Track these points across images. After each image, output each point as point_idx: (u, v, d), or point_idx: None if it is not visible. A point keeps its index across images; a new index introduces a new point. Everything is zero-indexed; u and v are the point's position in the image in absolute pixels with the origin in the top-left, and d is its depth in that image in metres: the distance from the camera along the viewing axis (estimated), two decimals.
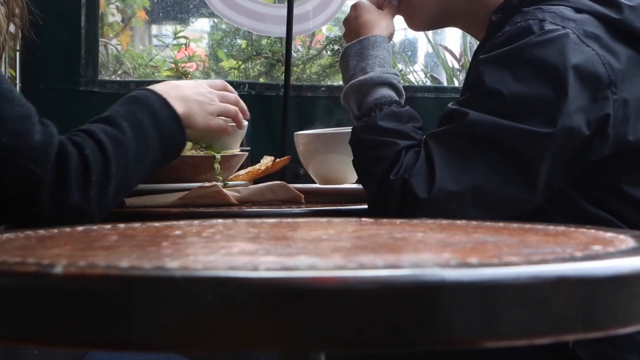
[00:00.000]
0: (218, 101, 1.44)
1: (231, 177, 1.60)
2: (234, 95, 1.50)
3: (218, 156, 1.45)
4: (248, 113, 1.53)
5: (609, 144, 1.25)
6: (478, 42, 1.51)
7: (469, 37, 3.23)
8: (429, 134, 1.28)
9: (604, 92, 1.25)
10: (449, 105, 1.31)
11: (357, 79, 1.39)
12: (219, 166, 1.45)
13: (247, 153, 1.57)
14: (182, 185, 1.42)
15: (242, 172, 1.61)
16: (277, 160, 1.61)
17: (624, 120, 1.26)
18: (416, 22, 1.54)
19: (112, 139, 1.20)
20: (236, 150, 1.54)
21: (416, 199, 1.21)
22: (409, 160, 1.25)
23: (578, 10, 1.30)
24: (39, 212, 1.13)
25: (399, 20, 1.55)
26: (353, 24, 1.47)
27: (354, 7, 1.50)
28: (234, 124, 1.48)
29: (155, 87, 1.35)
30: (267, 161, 1.61)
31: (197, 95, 1.40)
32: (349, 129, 1.59)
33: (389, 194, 1.24)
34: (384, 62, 1.41)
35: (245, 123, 1.54)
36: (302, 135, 1.62)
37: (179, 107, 1.33)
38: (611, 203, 1.29)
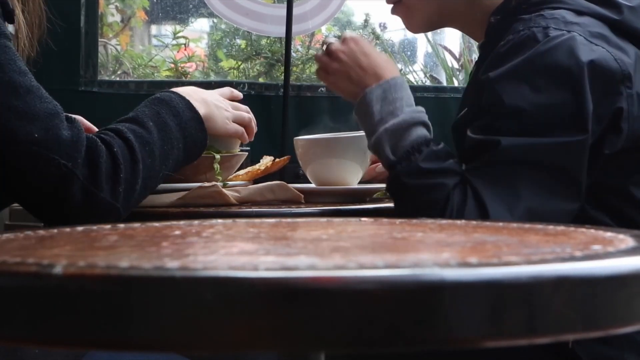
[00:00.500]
0: (231, 109, 1.49)
1: (231, 177, 1.60)
2: (245, 107, 1.54)
3: (218, 156, 1.45)
4: (255, 123, 1.56)
5: (622, 138, 1.26)
6: (477, 43, 1.51)
7: (468, 37, 3.23)
8: (467, 171, 1.27)
9: (617, 87, 1.25)
10: (472, 135, 1.28)
11: (391, 123, 1.32)
12: (218, 166, 1.46)
13: (247, 153, 1.57)
14: (182, 185, 1.42)
15: (242, 172, 1.61)
16: (277, 160, 1.61)
17: (639, 115, 1.26)
18: (414, 24, 1.52)
19: (139, 138, 1.23)
20: (236, 150, 1.54)
21: None
22: (458, 200, 1.24)
23: (579, 12, 1.30)
24: (70, 207, 1.15)
25: (397, 21, 1.55)
26: (363, 62, 1.39)
27: (355, 41, 1.41)
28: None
29: (178, 90, 1.38)
30: (266, 161, 1.61)
31: (215, 100, 1.43)
32: (347, 134, 1.60)
33: None
34: (410, 102, 1.36)
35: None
36: (301, 140, 1.61)
37: (201, 109, 1.37)
38: (615, 205, 1.29)
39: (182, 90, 1.38)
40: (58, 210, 1.17)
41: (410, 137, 1.31)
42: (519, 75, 1.24)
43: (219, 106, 1.44)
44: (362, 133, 1.54)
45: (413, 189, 1.29)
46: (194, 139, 1.34)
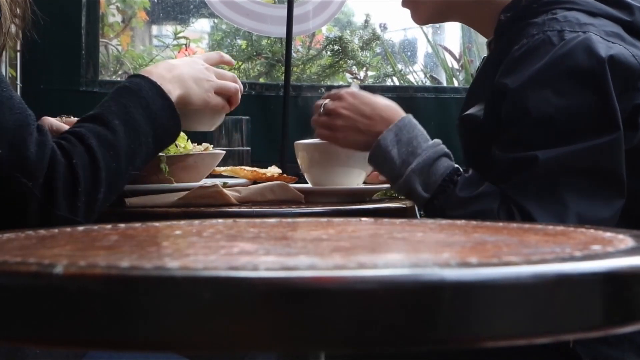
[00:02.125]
0: (215, 78, 1.40)
1: (236, 169, 1.60)
2: (231, 74, 1.45)
3: (163, 156, 1.42)
4: (242, 91, 1.47)
5: (638, 134, 1.26)
6: (479, 40, 1.51)
7: (467, 38, 3.23)
8: (508, 190, 1.25)
9: (635, 83, 1.25)
10: (503, 153, 1.26)
11: (416, 163, 1.31)
12: (166, 166, 1.42)
13: (223, 153, 1.55)
14: (183, 185, 1.42)
15: (248, 168, 1.61)
16: (284, 175, 1.60)
17: None
18: (421, 16, 1.50)
19: (103, 141, 1.18)
20: (210, 123, 1.47)
21: None
22: (505, 216, 1.23)
23: (592, 14, 1.29)
24: (26, 222, 1.12)
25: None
26: (366, 111, 1.38)
27: (351, 94, 1.40)
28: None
29: (150, 72, 1.31)
30: (274, 172, 1.60)
31: (194, 73, 1.36)
32: None
33: None
34: (426, 137, 1.35)
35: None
36: (302, 144, 1.61)
37: (175, 90, 1.31)
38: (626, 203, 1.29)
39: (155, 71, 1.31)
40: (12, 224, 1.13)
41: (439, 171, 1.30)
42: (540, 81, 1.24)
43: (198, 78, 1.36)
44: None
45: (457, 218, 1.27)
46: (165, 128, 1.28)
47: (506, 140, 1.27)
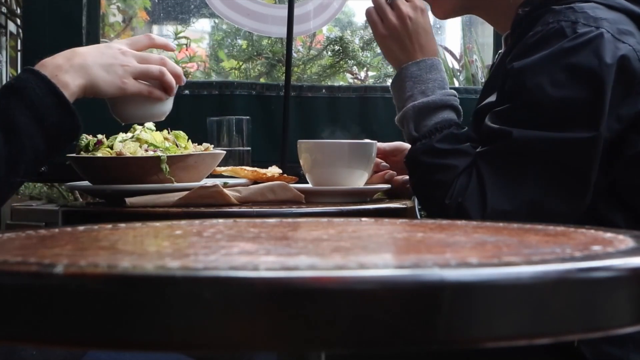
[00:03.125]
0: (135, 62, 1.29)
1: (236, 169, 1.60)
2: (159, 56, 1.34)
3: (164, 156, 1.42)
4: (184, 78, 1.37)
5: None
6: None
7: (468, 38, 3.23)
8: (478, 154, 1.29)
9: (639, 87, 1.25)
10: (488, 122, 1.30)
11: (419, 101, 1.37)
12: (166, 166, 1.42)
13: (223, 153, 1.55)
14: (183, 185, 1.42)
15: (249, 168, 1.61)
16: (284, 175, 1.60)
17: None
18: (443, 10, 1.51)
19: None
20: (156, 114, 1.40)
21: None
22: (462, 182, 1.27)
23: (609, 7, 1.30)
24: None
25: None
26: (422, 37, 1.41)
27: (424, 13, 1.43)
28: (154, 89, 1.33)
29: (44, 64, 1.21)
30: (274, 172, 1.60)
31: (103, 59, 1.25)
32: (351, 142, 1.59)
33: (446, 218, 1.24)
34: (444, 84, 1.40)
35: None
36: (306, 143, 1.60)
37: (76, 80, 1.22)
38: (633, 205, 1.29)
39: (51, 63, 1.21)
40: None
41: (435, 118, 1.35)
42: (541, 68, 1.25)
43: (109, 64, 1.25)
44: (367, 141, 1.55)
45: (425, 166, 1.33)
46: (59, 127, 1.18)
47: (496, 112, 1.30)
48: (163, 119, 1.39)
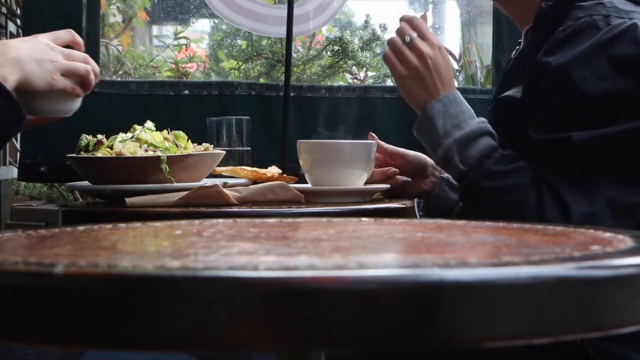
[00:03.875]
0: (62, 58, 1.30)
1: (236, 169, 1.60)
2: (83, 54, 1.34)
3: (163, 156, 1.41)
4: (98, 73, 1.38)
5: None
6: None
7: (467, 38, 3.23)
8: (540, 169, 1.28)
9: None
10: (537, 134, 1.29)
11: (458, 135, 1.35)
12: (166, 166, 1.42)
13: (223, 153, 1.55)
14: (183, 185, 1.42)
15: (248, 168, 1.61)
16: (284, 175, 1.60)
17: None
18: None
19: None
20: (66, 109, 1.39)
21: None
22: (533, 198, 1.26)
23: (636, 2, 1.31)
24: None
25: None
26: (444, 75, 1.39)
27: (442, 51, 1.41)
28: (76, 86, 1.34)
29: None
30: (274, 172, 1.60)
31: (35, 54, 1.25)
32: (351, 142, 1.60)
33: None
34: (472, 113, 1.39)
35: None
36: (306, 143, 1.60)
37: (12, 74, 1.22)
38: None
39: None
40: None
41: (478, 147, 1.34)
42: (582, 63, 1.25)
43: (41, 60, 1.25)
44: (367, 141, 1.55)
45: (489, 192, 1.31)
46: (5, 119, 1.18)
47: (541, 119, 1.29)
48: (69, 113, 1.39)
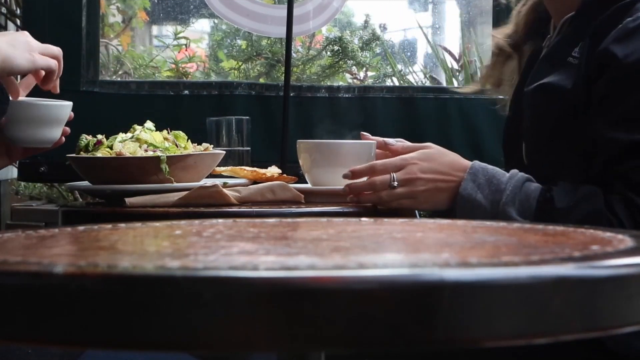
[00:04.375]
0: (35, 42, 1.31)
1: (236, 169, 1.60)
2: (56, 48, 1.35)
3: (163, 156, 1.41)
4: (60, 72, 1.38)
5: None
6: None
7: (467, 38, 3.23)
8: (632, 171, 1.23)
9: None
10: (615, 133, 1.24)
11: (506, 196, 1.29)
12: (166, 166, 1.42)
13: (223, 153, 1.55)
14: (183, 185, 1.42)
15: (248, 168, 1.61)
16: (284, 175, 1.60)
17: None
18: None
19: None
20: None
21: None
22: (622, 211, 1.21)
23: None
24: None
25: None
26: (444, 168, 1.36)
27: (423, 156, 1.37)
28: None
29: None
30: (274, 172, 1.60)
31: (6, 38, 1.28)
32: (351, 142, 1.60)
33: None
34: (502, 172, 1.34)
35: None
36: (305, 143, 1.61)
37: None
38: None
39: None
40: None
41: (530, 195, 1.28)
42: None
43: (14, 40, 1.27)
44: (367, 141, 1.54)
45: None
46: None
47: (617, 117, 1.26)
48: (50, 146, 1.42)
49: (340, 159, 1.52)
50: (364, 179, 1.41)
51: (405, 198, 1.37)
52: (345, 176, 1.40)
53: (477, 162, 1.37)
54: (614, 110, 1.27)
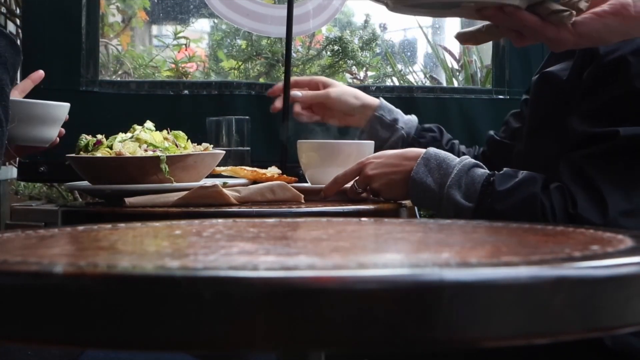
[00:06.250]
0: None
1: (236, 169, 1.60)
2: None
3: (163, 156, 1.42)
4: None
5: None
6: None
7: None
8: (581, 160, 1.25)
9: None
10: (582, 126, 1.26)
11: (451, 179, 1.34)
12: (166, 166, 1.42)
13: (223, 153, 1.55)
14: (183, 185, 1.42)
15: (248, 168, 1.61)
16: (284, 175, 1.60)
17: None
18: None
19: None
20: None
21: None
22: (557, 198, 1.24)
23: None
24: None
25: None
26: (394, 160, 1.43)
27: (368, 162, 1.46)
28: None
29: None
30: (274, 172, 1.61)
31: None
32: (350, 142, 1.63)
33: None
34: (453, 157, 1.38)
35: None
36: (306, 143, 1.62)
37: None
38: None
39: None
40: None
41: (475, 179, 1.32)
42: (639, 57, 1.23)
43: None
44: (367, 141, 1.57)
45: (507, 212, 1.29)
46: (13, 65, 1.24)
47: (588, 112, 1.27)
48: (46, 145, 1.48)
49: (338, 159, 1.54)
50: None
51: (373, 196, 1.47)
52: (320, 198, 1.50)
53: (431, 148, 1.41)
54: (587, 105, 1.29)
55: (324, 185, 1.54)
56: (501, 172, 1.32)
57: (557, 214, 1.24)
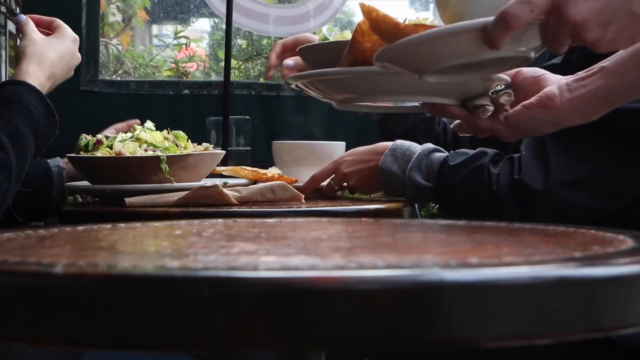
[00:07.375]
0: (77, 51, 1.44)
1: (236, 169, 1.60)
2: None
3: (163, 156, 1.42)
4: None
5: None
6: None
7: None
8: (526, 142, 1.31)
9: None
10: None
11: (411, 164, 1.42)
12: (166, 166, 1.42)
13: (223, 152, 1.55)
14: (183, 185, 1.42)
15: (248, 168, 1.61)
16: (284, 175, 1.61)
17: None
18: None
19: None
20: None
21: (532, 192, 1.25)
22: (505, 167, 1.31)
23: None
24: None
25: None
26: (365, 157, 1.52)
27: (347, 155, 1.55)
28: None
29: (29, 76, 1.29)
30: (274, 172, 1.61)
31: (64, 60, 1.38)
32: (322, 142, 1.68)
33: (499, 202, 1.29)
34: (416, 145, 1.46)
35: None
36: (279, 144, 1.69)
37: (49, 84, 1.32)
38: None
39: (32, 74, 1.29)
40: None
41: (434, 161, 1.40)
42: None
43: (66, 64, 1.38)
44: (339, 142, 1.68)
45: (457, 185, 1.36)
46: (45, 136, 1.26)
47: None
48: None
49: (313, 158, 1.62)
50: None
51: (350, 193, 1.55)
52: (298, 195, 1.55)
53: (399, 141, 1.50)
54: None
55: (301, 184, 1.57)
56: (455, 151, 1.40)
57: (501, 181, 1.30)
